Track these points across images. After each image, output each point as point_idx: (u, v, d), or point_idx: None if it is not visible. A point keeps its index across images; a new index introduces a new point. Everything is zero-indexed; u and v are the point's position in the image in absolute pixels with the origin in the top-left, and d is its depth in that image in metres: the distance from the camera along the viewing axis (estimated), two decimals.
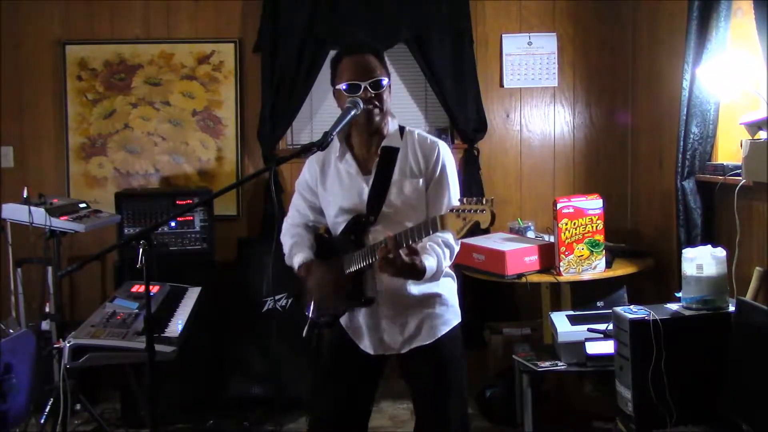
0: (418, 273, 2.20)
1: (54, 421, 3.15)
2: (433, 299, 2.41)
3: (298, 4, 4.33)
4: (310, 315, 2.46)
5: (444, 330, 2.43)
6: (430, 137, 2.44)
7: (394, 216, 2.34)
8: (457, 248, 2.36)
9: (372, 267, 2.32)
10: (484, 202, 1.94)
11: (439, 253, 2.29)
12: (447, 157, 2.41)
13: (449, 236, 2.31)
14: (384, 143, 2.38)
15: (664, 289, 3.96)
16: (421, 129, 2.49)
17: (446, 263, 2.34)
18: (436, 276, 2.30)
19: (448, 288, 2.46)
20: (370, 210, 2.36)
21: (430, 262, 2.23)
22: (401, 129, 2.43)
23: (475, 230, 1.98)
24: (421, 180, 2.37)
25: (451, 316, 2.45)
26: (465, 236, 1.98)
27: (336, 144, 2.41)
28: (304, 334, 2.48)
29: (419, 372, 2.43)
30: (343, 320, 2.46)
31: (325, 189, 2.47)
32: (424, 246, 2.27)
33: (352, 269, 2.34)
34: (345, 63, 2.33)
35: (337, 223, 2.44)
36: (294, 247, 2.52)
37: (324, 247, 2.53)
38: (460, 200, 1.98)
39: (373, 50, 2.36)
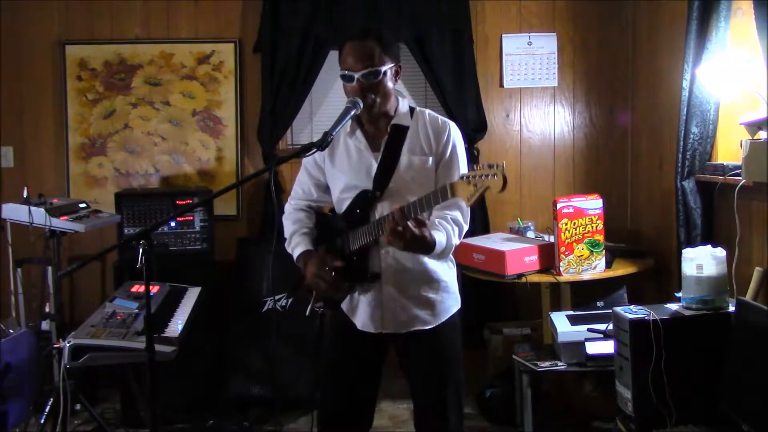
0: (427, 246, 2.18)
1: (54, 421, 3.16)
2: (434, 284, 2.42)
3: (298, 4, 4.33)
4: (314, 296, 2.45)
5: (445, 316, 2.44)
6: (441, 117, 2.44)
7: (401, 192, 2.34)
8: (466, 227, 2.36)
9: (378, 243, 2.31)
10: (495, 166, 1.90)
11: (448, 228, 2.29)
12: (457, 137, 2.41)
13: (458, 214, 2.32)
14: (393, 122, 2.38)
15: (664, 289, 3.96)
16: (430, 110, 2.48)
17: (455, 240, 2.33)
18: (445, 252, 2.29)
19: (449, 274, 2.47)
20: (377, 185, 2.35)
21: (439, 237, 2.22)
22: (411, 109, 2.43)
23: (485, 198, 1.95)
24: (430, 158, 2.37)
25: (451, 303, 2.46)
26: (476, 202, 1.96)
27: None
28: (307, 313, 2.49)
29: (418, 357, 2.44)
30: (344, 305, 2.46)
31: (333, 164, 2.45)
32: (433, 222, 2.27)
33: (358, 245, 2.34)
34: (345, 49, 2.32)
35: (343, 199, 2.44)
36: (293, 235, 2.50)
37: (327, 226, 2.52)
38: (470, 167, 1.96)
39: (376, 36, 2.33)
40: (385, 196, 2.35)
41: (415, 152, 2.36)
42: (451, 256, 2.45)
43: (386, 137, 2.38)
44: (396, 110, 2.40)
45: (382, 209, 2.34)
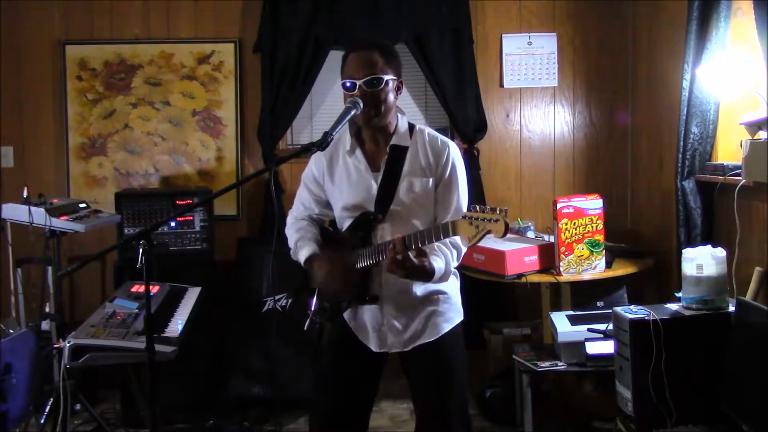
0: (427, 275, 2.21)
1: (54, 421, 3.15)
2: (437, 297, 2.42)
3: (298, 4, 4.33)
4: (312, 309, 2.45)
5: (447, 328, 2.44)
6: (441, 137, 2.43)
7: (403, 214, 2.34)
8: (464, 250, 2.37)
9: (378, 265, 2.32)
10: (498, 211, 1.93)
11: (447, 254, 2.30)
12: (457, 157, 2.41)
13: (457, 237, 2.31)
14: (393, 141, 2.38)
15: (664, 289, 3.96)
16: (430, 128, 2.48)
17: (454, 264, 2.34)
18: (444, 277, 2.31)
19: (452, 286, 2.47)
20: (378, 207, 2.36)
21: (438, 264, 2.24)
22: (411, 127, 2.43)
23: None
24: (430, 179, 2.37)
25: (454, 314, 2.46)
26: (476, 244, 1.98)
27: (346, 138, 2.40)
28: (305, 328, 2.48)
29: (421, 369, 2.44)
30: (347, 316, 2.46)
31: (333, 183, 2.46)
32: (432, 247, 2.26)
33: (359, 267, 2.34)
34: (349, 59, 2.33)
35: (344, 218, 2.44)
36: (300, 240, 2.50)
37: (329, 241, 2.52)
38: (473, 208, 1.97)
39: (380, 47, 2.34)
40: (387, 218, 2.35)
41: (416, 173, 2.36)
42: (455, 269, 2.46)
43: (386, 157, 2.38)
44: (396, 128, 2.40)
45: (383, 231, 2.35)
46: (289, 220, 2.59)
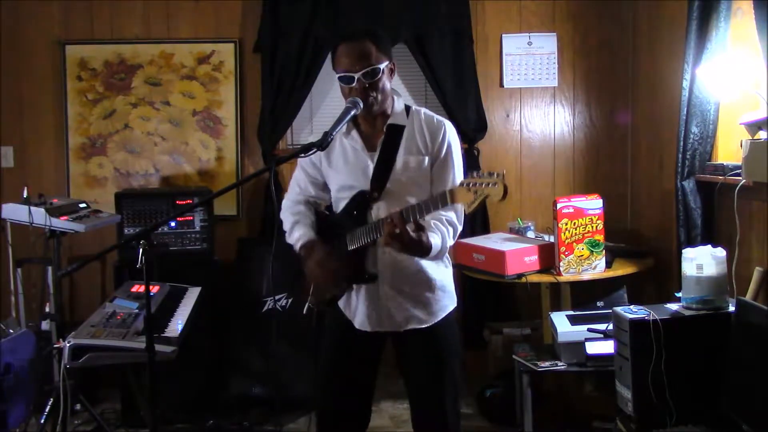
0: (423, 250, 2.20)
1: (54, 421, 3.15)
2: (430, 283, 2.43)
3: (298, 4, 4.33)
4: (308, 300, 2.46)
5: (441, 315, 2.45)
6: (437, 117, 2.45)
7: (398, 192, 2.35)
8: (460, 227, 2.38)
9: (375, 244, 2.32)
10: (495, 175, 1.91)
11: (443, 231, 2.30)
12: (453, 136, 2.42)
13: (453, 215, 2.33)
14: (390, 121, 2.39)
15: (664, 289, 3.96)
16: (426, 109, 2.49)
17: (450, 242, 2.35)
18: (440, 254, 2.31)
19: (445, 273, 2.48)
20: (374, 186, 2.36)
21: (435, 240, 2.24)
22: (407, 108, 2.44)
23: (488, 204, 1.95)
24: (426, 158, 2.38)
25: (448, 302, 2.48)
26: (476, 210, 1.96)
27: None
28: (304, 311, 2.49)
29: (415, 355, 2.45)
30: (341, 303, 2.47)
31: (330, 164, 2.47)
32: (429, 224, 2.27)
33: (355, 246, 2.34)
34: (340, 51, 2.33)
35: (340, 199, 2.45)
36: (295, 225, 2.51)
37: (325, 224, 2.53)
38: (470, 174, 1.96)
39: (370, 35, 2.34)
40: (383, 196, 2.36)
41: (412, 152, 2.37)
42: (446, 254, 2.46)
43: (382, 137, 2.39)
44: (392, 109, 2.41)
45: (379, 210, 2.35)
46: (285, 202, 2.61)
